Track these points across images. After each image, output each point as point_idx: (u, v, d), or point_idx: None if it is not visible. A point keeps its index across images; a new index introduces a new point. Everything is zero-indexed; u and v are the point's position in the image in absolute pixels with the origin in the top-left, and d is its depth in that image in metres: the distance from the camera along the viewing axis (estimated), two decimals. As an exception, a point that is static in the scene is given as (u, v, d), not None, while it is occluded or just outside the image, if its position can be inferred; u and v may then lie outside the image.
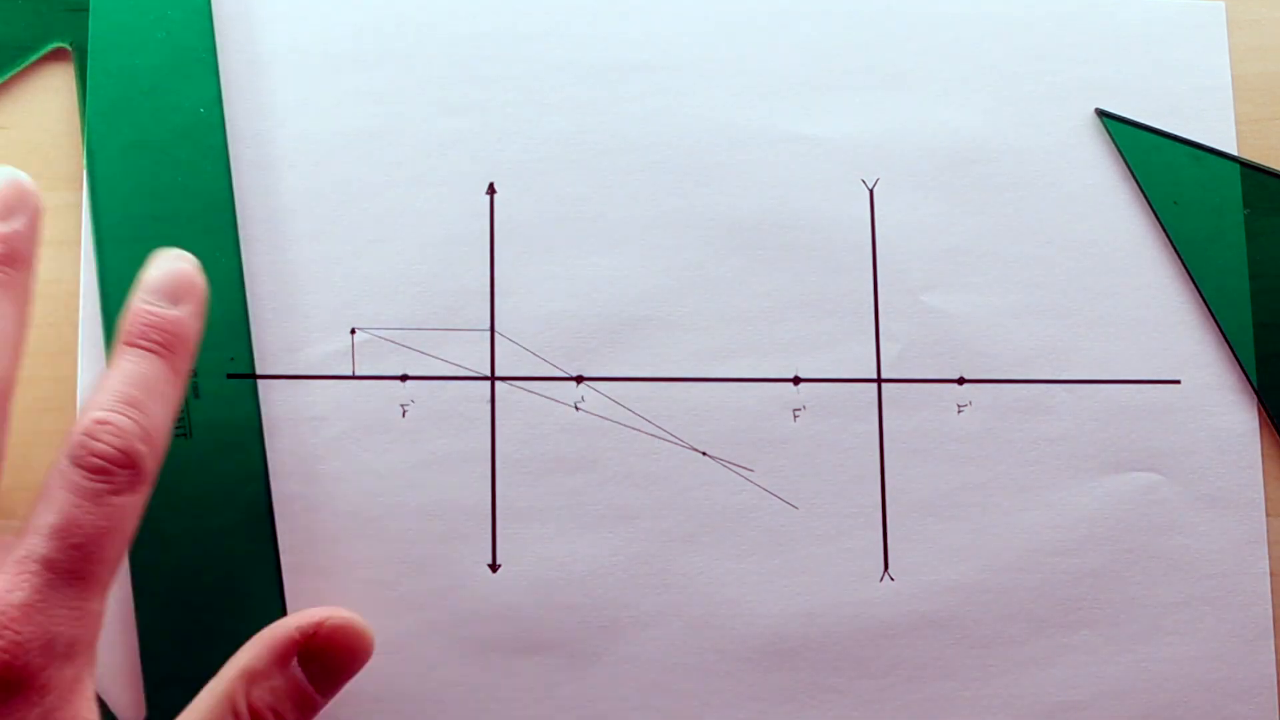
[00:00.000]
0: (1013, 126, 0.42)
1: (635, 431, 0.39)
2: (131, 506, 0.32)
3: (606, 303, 0.40)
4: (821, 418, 0.40)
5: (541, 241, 0.40)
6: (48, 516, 0.31)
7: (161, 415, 0.33)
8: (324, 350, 0.39)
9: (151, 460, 0.32)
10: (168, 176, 0.39)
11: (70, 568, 0.31)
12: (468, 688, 0.38)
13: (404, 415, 0.39)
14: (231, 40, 0.40)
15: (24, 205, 0.34)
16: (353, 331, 0.39)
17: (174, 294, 0.35)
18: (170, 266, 0.35)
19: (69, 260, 0.38)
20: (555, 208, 0.40)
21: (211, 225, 0.39)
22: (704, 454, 0.40)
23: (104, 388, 0.33)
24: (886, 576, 0.40)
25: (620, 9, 0.41)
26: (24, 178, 0.34)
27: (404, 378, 0.39)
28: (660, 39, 0.41)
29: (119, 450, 0.32)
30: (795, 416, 0.40)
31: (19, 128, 0.39)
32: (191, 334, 0.35)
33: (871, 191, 0.41)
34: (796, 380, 0.40)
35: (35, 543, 0.31)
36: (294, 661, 0.35)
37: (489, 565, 0.39)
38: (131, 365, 0.33)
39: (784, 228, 0.41)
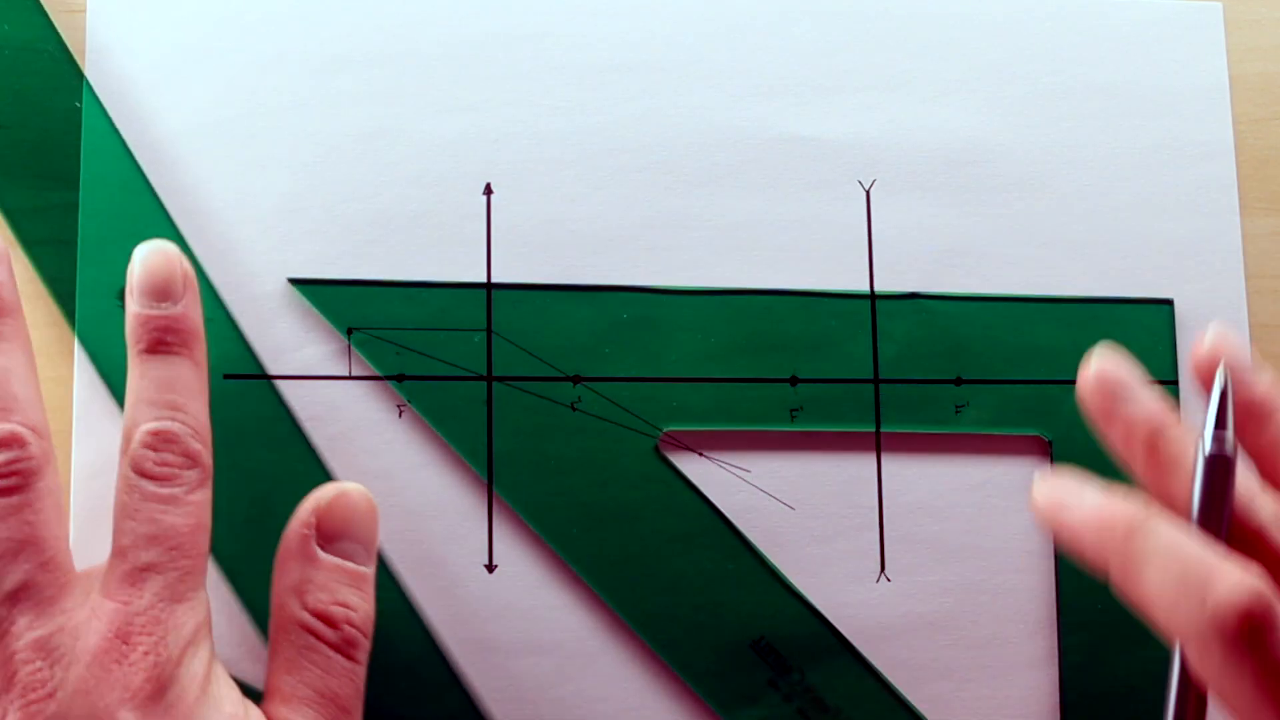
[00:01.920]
0: (1010, 127, 0.42)
1: (632, 432, 0.39)
2: (206, 501, 0.34)
3: (603, 303, 0.40)
4: (819, 418, 0.40)
5: (538, 242, 0.40)
6: (138, 529, 0.33)
7: (201, 409, 0.35)
8: (321, 350, 0.39)
9: (208, 454, 0.34)
10: (164, 177, 0.39)
11: (174, 568, 0.33)
12: (465, 688, 0.38)
13: (400, 415, 0.39)
14: (228, 42, 0.40)
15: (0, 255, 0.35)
16: (349, 332, 0.39)
17: (169, 290, 0.35)
18: (156, 264, 0.36)
19: (67, 260, 0.38)
20: (552, 208, 0.40)
21: (208, 226, 0.39)
22: (701, 454, 0.40)
23: (140, 400, 0.34)
24: (883, 577, 0.40)
25: (617, 9, 0.41)
26: None
27: (401, 378, 0.39)
28: (657, 40, 0.41)
29: (179, 454, 0.34)
30: (793, 417, 0.40)
31: (17, 128, 0.39)
32: (198, 323, 0.36)
33: (868, 192, 0.41)
34: (794, 381, 0.40)
35: (136, 555, 0.33)
36: (318, 551, 0.35)
37: (485, 566, 0.39)
38: (156, 370, 0.35)
39: (781, 228, 0.41)
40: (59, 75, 0.39)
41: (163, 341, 0.35)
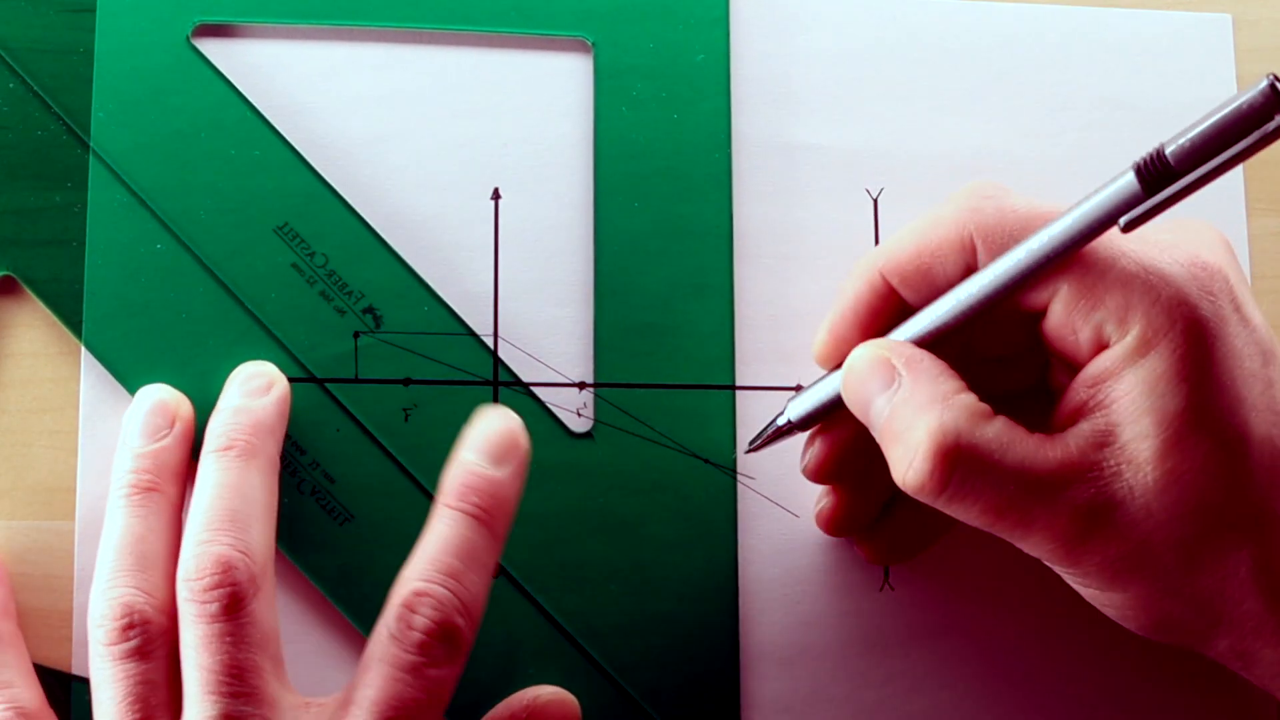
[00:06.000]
0: (1018, 137, 0.42)
1: (637, 438, 0.39)
2: (448, 679, 0.33)
3: (610, 309, 0.40)
4: (824, 426, 0.40)
5: (546, 247, 0.40)
6: (369, 690, 0.32)
7: (479, 585, 0.34)
8: (328, 353, 0.39)
9: (469, 633, 0.33)
10: (173, 177, 0.38)
11: None
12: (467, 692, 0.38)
13: (407, 419, 0.39)
14: (238, 43, 0.39)
15: (273, 383, 0.36)
16: (356, 335, 0.39)
17: (499, 455, 0.35)
18: (498, 425, 0.35)
19: (70, 260, 0.38)
20: (559, 213, 0.40)
21: (216, 226, 0.38)
22: (706, 461, 0.40)
23: (423, 553, 0.34)
24: (886, 585, 0.40)
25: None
26: (272, 367, 0.37)
27: (407, 382, 0.39)
28: (667, 46, 0.41)
29: (438, 624, 0.33)
30: (797, 425, 0.40)
31: (17, 129, 0.38)
32: (512, 498, 0.35)
33: (876, 201, 0.41)
34: (799, 389, 0.40)
35: (359, 715, 0.32)
36: None
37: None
38: (451, 530, 0.34)
39: (788, 236, 0.41)
40: (65, 74, 0.39)
41: (468, 500, 0.34)
